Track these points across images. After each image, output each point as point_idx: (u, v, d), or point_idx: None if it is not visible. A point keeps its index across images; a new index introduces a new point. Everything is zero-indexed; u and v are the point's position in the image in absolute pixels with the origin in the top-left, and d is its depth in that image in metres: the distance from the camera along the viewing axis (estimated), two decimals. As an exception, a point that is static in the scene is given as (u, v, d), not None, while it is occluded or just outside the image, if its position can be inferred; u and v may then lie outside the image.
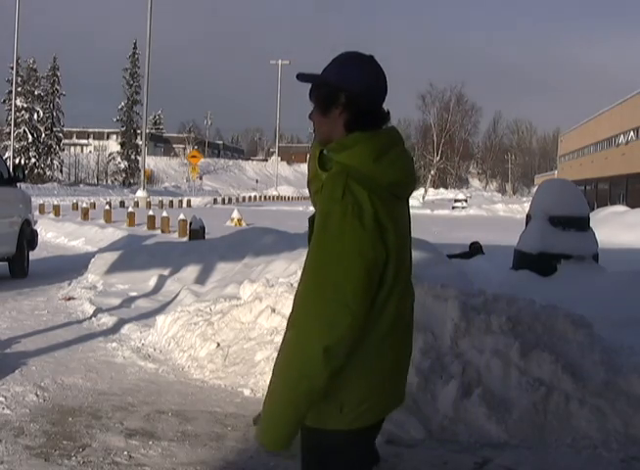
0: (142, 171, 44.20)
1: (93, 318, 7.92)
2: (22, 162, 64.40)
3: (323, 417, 2.03)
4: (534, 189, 21.85)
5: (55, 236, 19.20)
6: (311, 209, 2.15)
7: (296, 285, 6.53)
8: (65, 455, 4.00)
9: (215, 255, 10.47)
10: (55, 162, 72.90)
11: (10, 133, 52.82)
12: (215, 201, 54.72)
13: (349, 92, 2.02)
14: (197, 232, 15.68)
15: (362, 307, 1.92)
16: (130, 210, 25.40)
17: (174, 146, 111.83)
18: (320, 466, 2.12)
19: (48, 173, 71.28)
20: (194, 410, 4.90)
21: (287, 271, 7.48)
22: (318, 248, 1.95)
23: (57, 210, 28.51)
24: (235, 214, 25.89)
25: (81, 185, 71.35)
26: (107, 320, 7.72)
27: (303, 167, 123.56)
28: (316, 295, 1.93)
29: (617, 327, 6.43)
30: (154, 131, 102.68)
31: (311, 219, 2.07)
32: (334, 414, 2.02)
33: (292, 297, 6.68)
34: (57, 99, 74.29)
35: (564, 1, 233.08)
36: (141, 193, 42.47)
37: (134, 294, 9.21)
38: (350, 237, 1.91)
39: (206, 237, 15.34)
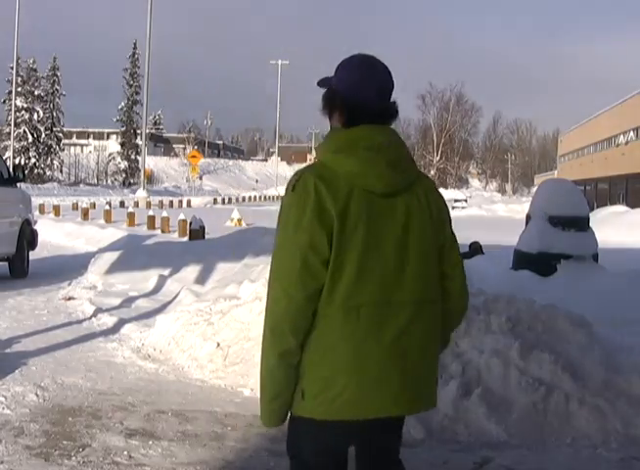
0: (142, 171, 44.21)
1: (93, 318, 7.92)
2: (22, 162, 64.36)
3: (293, 403, 2.16)
4: (534, 189, 21.84)
5: (55, 236, 19.19)
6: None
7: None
8: (65, 455, 4.00)
9: (215, 255, 10.46)
10: (55, 162, 72.90)
11: (10, 133, 52.88)
12: (215, 201, 54.75)
13: (342, 95, 2.17)
14: (197, 232, 15.68)
15: (298, 290, 2.06)
16: (130, 210, 25.41)
17: (174, 146, 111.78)
18: (292, 449, 2.30)
19: (48, 173, 71.28)
20: (194, 410, 4.90)
21: (287, 271, 7.46)
22: (275, 238, 2.16)
23: (57, 210, 28.53)
24: (235, 214, 25.89)
25: (81, 185, 71.38)
26: (107, 320, 7.72)
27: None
28: (270, 281, 2.14)
29: (617, 327, 6.42)
30: (154, 131, 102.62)
31: None
32: (298, 400, 2.14)
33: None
34: (57, 99, 74.31)
35: (564, 0, 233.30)
36: (141, 193, 42.49)
37: (134, 294, 9.21)
38: (292, 224, 2.09)
39: (206, 237, 15.34)
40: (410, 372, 2.14)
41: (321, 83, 2.28)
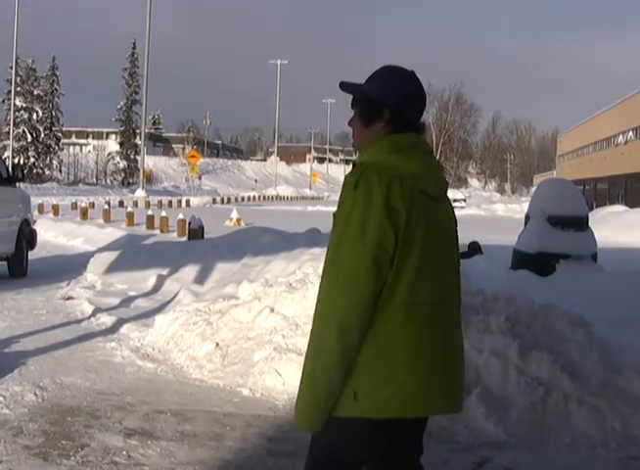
0: (141, 171, 44.22)
1: (92, 318, 7.92)
2: (22, 161, 64.30)
3: (338, 405, 2.10)
4: (533, 189, 21.86)
5: (54, 236, 19.17)
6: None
7: (294, 285, 6.55)
8: (64, 455, 4.00)
9: (214, 254, 10.46)
10: (54, 161, 72.88)
11: (9, 133, 52.78)
12: (214, 201, 54.68)
13: (393, 108, 2.18)
14: (196, 232, 15.68)
15: (367, 288, 2.04)
16: (129, 209, 25.37)
17: (173, 146, 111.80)
18: (328, 451, 2.19)
19: (47, 173, 71.25)
20: (193, 410, 4.90)
21: (286, 271, 7.48)
22: (333, 235, 2.11)
23: (56, 209, 28.47)
24: (234, 214, 25.87)
25: (80, 185, 71.34)
26: (106, 320, 7.71)
27: (302, 167, 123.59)
28: (328, 278, 2.09)
29: (616, 327, 6.42)
30: (153, 131, 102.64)
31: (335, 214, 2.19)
32: (348, 401, 2.08)
33: (290, 297, 6.65)
34: (56, 99, 74.32)
35: (564, 1, 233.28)
36: (140, 193, 42.45)
37: (133, 293, 9.21)
38: (357, 222, 2.05)
39: (205, 237, 15.34)
40: (453, 372, 2.20)
41: (346, 88, 2.28)
